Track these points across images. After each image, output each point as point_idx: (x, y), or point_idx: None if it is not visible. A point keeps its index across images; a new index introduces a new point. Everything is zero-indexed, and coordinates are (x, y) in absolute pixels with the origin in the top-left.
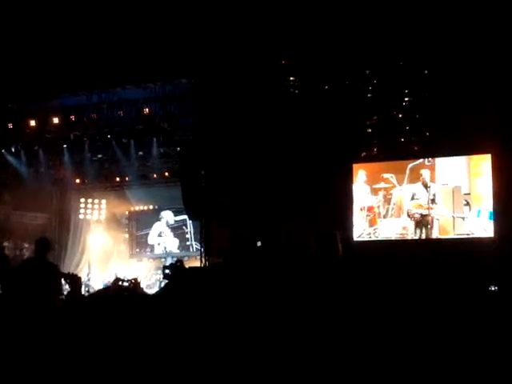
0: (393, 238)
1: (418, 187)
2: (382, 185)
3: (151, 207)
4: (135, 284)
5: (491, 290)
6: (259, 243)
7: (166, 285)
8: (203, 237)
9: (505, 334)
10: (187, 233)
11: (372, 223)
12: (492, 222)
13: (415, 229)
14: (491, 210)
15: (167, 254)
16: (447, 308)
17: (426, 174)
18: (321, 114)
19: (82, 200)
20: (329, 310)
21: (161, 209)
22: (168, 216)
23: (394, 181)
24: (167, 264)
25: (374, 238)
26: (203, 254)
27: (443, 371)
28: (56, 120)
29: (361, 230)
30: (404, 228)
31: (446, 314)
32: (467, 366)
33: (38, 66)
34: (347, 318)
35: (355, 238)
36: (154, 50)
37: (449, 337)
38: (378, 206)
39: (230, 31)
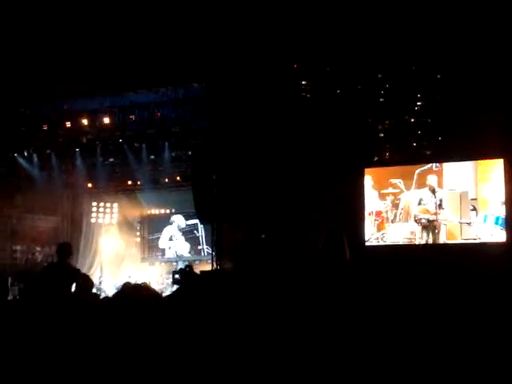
0: (400, 243)
1: (425, 192)
2: (390, 190)
3: (163, 211)
4: None
5: (502, 294)
6: (263, 235)
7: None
8: (215, 241)
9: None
10: (199, 237)
11: (380, 228)
12: (498, 226)
13: (422, 234)
14: (497, 215)
15: (178, 258)
16: (455, 311)
17: (433, 179)
18: (333, 118)
19: (94, 204)
20: (335, 312)
21: (172, 213)
22: (179, 220)
23: (402, 186)
24: (178, 268)
25: (381, 243)
26: (214, 258)
27: (452, 373)
28: (68, 124)
29: (369, 235)
30: (412, 233)
31: (454, 317)
32: (476, 369)
33: (50, 71)
34: (354, 322)
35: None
36: (165, 54)
37: (456, 338)
38: (386, 211)
39: (242, 35)
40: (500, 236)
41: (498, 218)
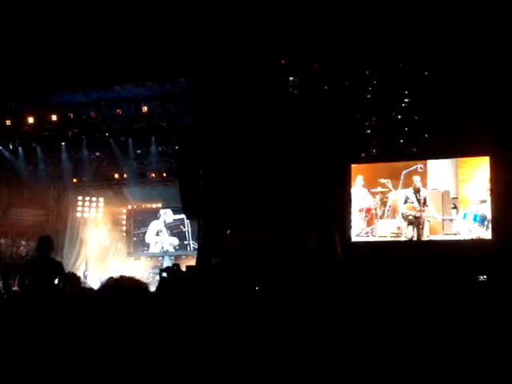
0: (388, 237)
1: (410, 192)
2: (379, 189)
3: (149, 206)
4: None
5: (480, 280)
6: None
7: (159, 285)
8: (201, 236)
9: (496, 322)
10: (185, 232)
11: (370, 223)
12: (476, 223)
13: (408, 229)
14: (476, 213)
15: (164, 253)
16: (440, 298)
17: (417, 179)
18: (320, 114)
19: (80, 198)
20: (327, 312)
21: (159, 208)
22: (167, 214)
23: (390, 185)
24: (164, 264)
25: (371, 237)
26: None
27: (440, 362)
28: (54, 117)
29: (359, 230)
30: (398, 228)
31: (439, 304)
32: (457, 354)
33: (37, 64)
34: (348, 318)
35: (354, 237)
36: (152, 48)
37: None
38: (375, 208)
39: (230, 30)
40: (478, 231)
41: (476, 216)
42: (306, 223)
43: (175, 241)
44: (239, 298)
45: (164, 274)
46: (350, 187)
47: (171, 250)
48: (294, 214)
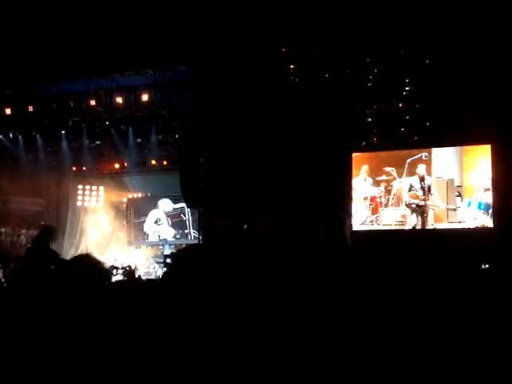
0: (393, 225)
1: (415, 180)
2: (384, 177)
3: (149, 194)
4: (130, 271)
5: (483, 268)
6: (245, 226)
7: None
8: (201, 225)
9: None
10: (185, 220)
11: (374, 212)
12: (481, 211)
13: (412, 217)
14: (480, 201)
15: (165, 242)
16: (443, 287)
17: (422, 168)
18: (321, 102)
19: (80, 186)
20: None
21: (159, 196)
22: (165, 204)
23: (395, 174)
24: (165, 252)
25: (375, 225)
26: (201, 243)
27: (442, 355)
28: (54, 106)
29: (364, 218)
30: (403, 216)
31: (442, 293)
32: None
33: (36, 52)
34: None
35: (359, 225)
36: (153, 36)
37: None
38: (380, 197)
39: (230, 18)
40: (482, 219)
41: (480, 204)
42: (308, 212)
43: (172, 232)
44: (248, 286)
45: (168, 260)
46: (350, 175)
47: (170, 239)
48: (295, 202)
